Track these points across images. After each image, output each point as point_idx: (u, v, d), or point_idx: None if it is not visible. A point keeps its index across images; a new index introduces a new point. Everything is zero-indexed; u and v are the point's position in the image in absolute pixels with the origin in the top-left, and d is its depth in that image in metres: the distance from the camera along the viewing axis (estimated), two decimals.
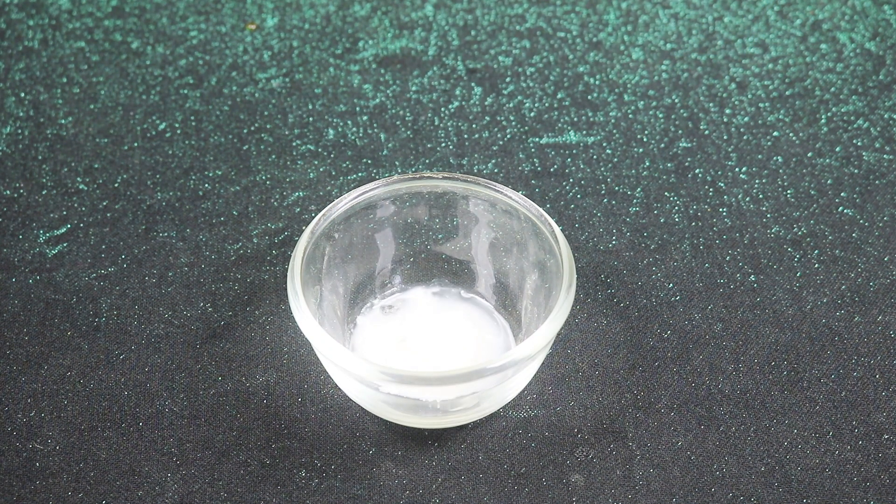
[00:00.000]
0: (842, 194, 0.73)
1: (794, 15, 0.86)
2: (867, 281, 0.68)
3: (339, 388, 0.62)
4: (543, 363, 0.64)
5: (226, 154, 0.76)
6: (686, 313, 0.66)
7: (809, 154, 0.75)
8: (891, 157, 0.74)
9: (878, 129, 0.76)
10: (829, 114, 0.77)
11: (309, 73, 0.82)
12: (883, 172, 0.74)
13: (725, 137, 0.77)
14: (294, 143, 0.76)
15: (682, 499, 0.59)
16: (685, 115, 0.78)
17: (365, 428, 0.61)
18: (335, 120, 0.78)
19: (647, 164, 0.75)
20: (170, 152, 0.75)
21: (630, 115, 0.78)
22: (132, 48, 0.82)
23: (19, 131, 0.75)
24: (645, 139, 0.77)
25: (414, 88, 0.80)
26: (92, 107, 0.77)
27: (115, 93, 0.79)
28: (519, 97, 0.79)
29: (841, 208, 0.72)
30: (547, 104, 0.78)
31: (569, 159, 0.75)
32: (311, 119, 0.78)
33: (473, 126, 0.77)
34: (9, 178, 0.73)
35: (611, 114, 0.78)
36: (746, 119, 0.78)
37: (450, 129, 0.77)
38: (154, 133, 0.76)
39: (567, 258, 0.58)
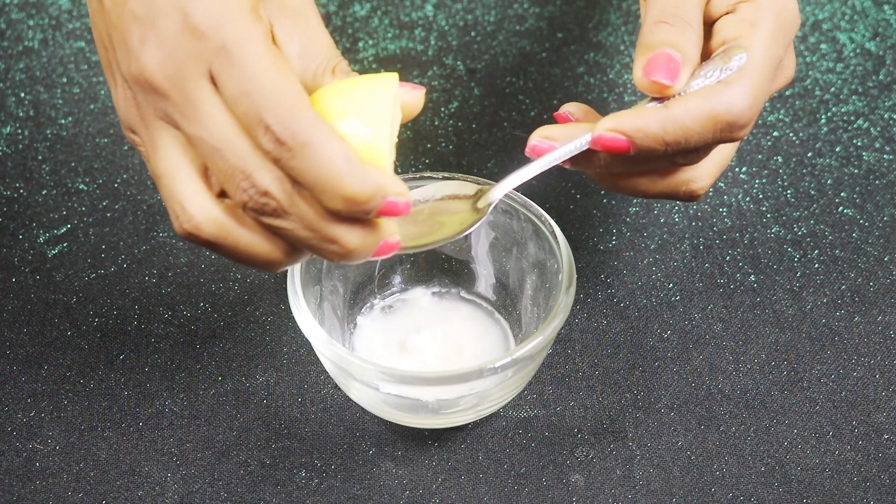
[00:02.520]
0: (842, 194, 0.73)
1: None
2: (867, 281, 0.68)
3: (339, 388, 0.62)
4: (543, 363, 0.64)
5: None
6: (686, 313, 0.66)
7: (809, 154, 0.75)
8: (891, 157, 0.74)
9: (878, 129, 0.76)
10: (829, 114, 0.77)
11: None
12: (883, 172, 0.74)
13: None
14: None
15: (682, 499, 0.59)
16: None
17: (365, 428, 0.61)
18: None
19: None
20: None
21: None
22: None
23: (19, 131, 0.75)
24: None
25: None
26: (92, 107, 0.77)
27: None
28: (519, 97, 0.78)
29: (841, 208, 0.72)
30: (547, 104, 0.78)
31: None
32: None
33: (473, 126, 0.77)
34: (9, 178, 0.73)
35: None
36: None
37: (450, 129, 0.77)
38: None
39: (567, 258, 0.58)
